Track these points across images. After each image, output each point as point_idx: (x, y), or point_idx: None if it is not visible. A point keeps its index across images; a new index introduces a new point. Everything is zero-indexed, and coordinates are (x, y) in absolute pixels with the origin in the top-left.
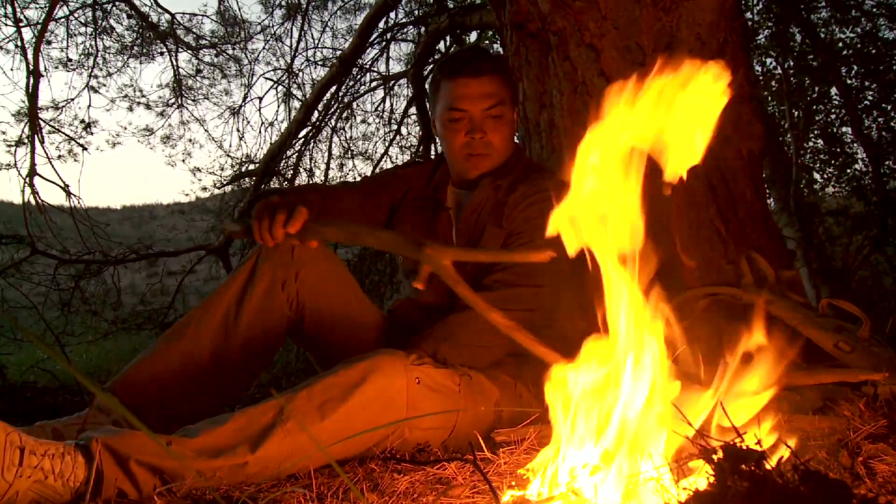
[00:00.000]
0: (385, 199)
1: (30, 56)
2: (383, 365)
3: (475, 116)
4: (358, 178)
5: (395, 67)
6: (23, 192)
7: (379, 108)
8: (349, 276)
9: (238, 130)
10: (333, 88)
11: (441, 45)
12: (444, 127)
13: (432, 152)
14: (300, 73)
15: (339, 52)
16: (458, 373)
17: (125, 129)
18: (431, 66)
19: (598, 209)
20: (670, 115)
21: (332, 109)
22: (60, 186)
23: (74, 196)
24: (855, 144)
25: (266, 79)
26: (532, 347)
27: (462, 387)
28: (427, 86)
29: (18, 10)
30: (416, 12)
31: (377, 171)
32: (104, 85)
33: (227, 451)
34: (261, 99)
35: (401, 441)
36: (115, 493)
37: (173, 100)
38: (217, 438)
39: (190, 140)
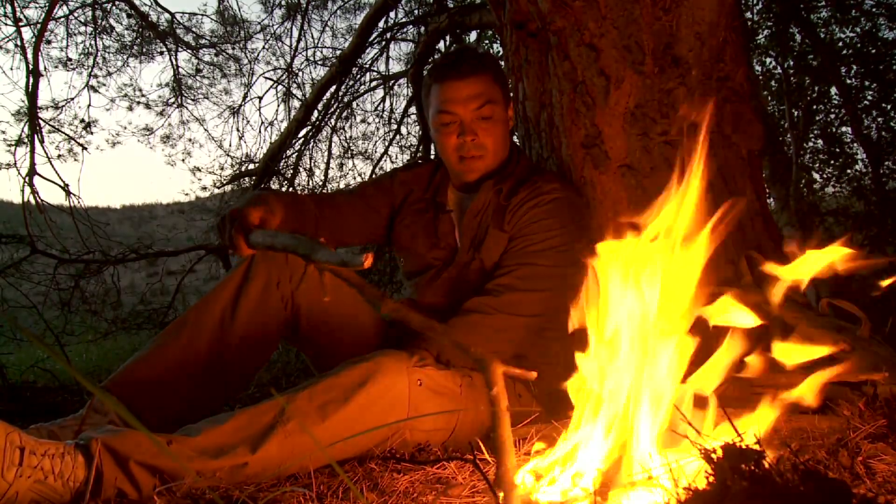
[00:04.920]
0: (384, 204)
1: (29, 55)
2: (386, 366)
3: (465, 119)
4: (358, 178)
5: (395, 67)
6: (22, 191)
7: (379, 108)
8: None
9: (238, 130)
10: (333, 88)
11: (441, 45)
12: (436, 132)
13: (432, 152)
14: (300, 73)
15: (338, 52)
16: (459, 374)
17: (125, 128)
18: (431, 65)
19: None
20: None
21: (332, 109)
22: (60, 186)
23: (74, 195)
24: (855, 144)
25: (266, 78)
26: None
27: (464, 388)
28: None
29: (18, 9)
30: (416, 12)
31: (377, 170)
32: (104, 84)
33: (228, 451)
34: (260, 98)
35: (401, 442)
36: (115, 493)
37: (173, 99)
38: (217, 438)
39: (190, 139)
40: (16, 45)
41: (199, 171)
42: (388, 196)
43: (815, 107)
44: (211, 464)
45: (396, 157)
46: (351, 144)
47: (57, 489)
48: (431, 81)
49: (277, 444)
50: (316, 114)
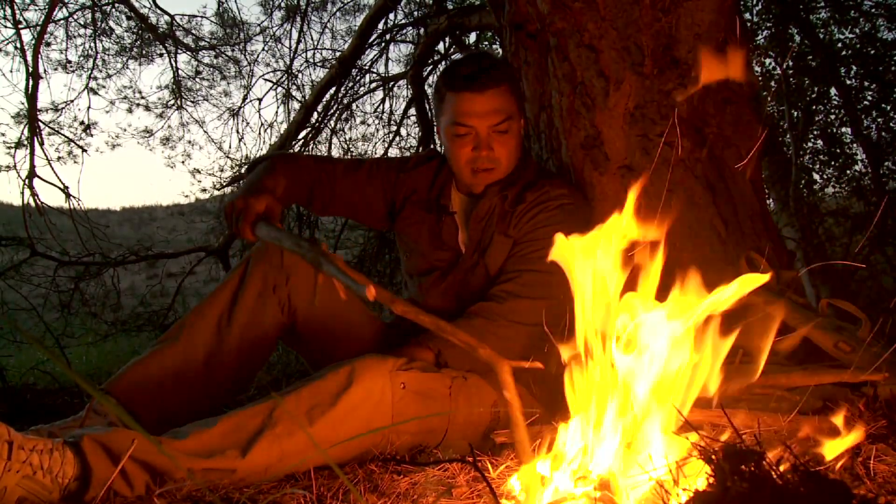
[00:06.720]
0: (377, 194)
1: (29, 58)
2: (367, 369)
3: (481, 132)
4: None
5: (395, 69)
6: (22, 193)
7: (378, 110)
8: None
9: (237, 132)
10: (333, 90)
11: (440, 47)
12: (449, 140)
13: None
14: (299, 75)
15: (338, 54)
16: (450, 375)
17: (125, 130)
18: (431, 67)
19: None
20: None
21: (332, 111)
22: (60, 188)
23: (74, 198)
24: (854, 145)
25: (265, 80)
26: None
27: (454, 390)
28: (431, 92)
29: (18, 11)
30: (416, 13)
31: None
32: (104, 87)
33: (217, 454)
34: (260, 100)
35: (390, 446)
36: (106, 490)
37: (172, 101)
38: (206, 442)
39: (189, 141)
40: (15, 48)
41: (199, 172)
42: (386, 189)
43: (814, 107)
44: (202, 462)
45: None
46: (350, 146)
47: (46, 485)
48: (447, 89)
49: (266, 448)
50: (315, 115)
